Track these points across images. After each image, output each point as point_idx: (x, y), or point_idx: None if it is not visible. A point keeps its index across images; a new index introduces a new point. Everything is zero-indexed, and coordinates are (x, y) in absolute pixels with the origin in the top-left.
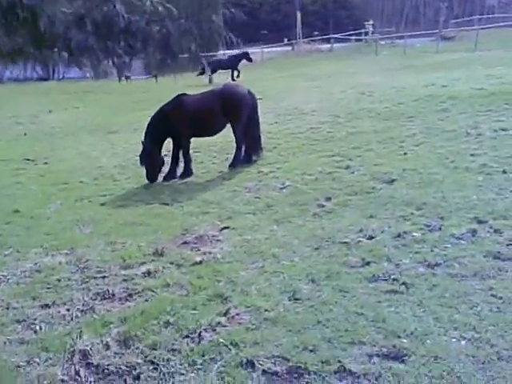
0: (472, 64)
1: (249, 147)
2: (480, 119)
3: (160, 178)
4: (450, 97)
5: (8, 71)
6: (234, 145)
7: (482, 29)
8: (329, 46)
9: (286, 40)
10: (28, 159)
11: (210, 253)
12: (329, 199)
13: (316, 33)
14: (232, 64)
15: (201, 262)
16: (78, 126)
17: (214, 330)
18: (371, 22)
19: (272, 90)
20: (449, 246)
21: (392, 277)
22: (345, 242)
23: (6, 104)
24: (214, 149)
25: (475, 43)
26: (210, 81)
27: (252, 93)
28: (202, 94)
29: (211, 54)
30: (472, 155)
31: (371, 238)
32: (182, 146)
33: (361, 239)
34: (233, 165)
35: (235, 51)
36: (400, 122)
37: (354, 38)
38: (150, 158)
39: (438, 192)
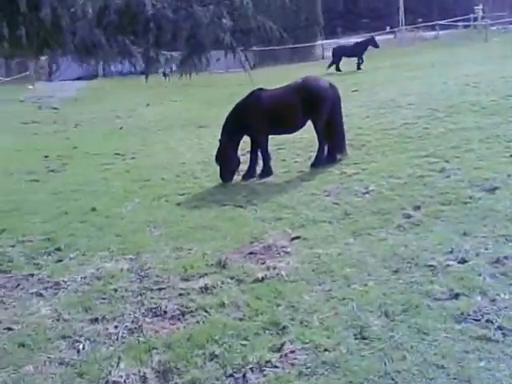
0: None
1: (332, 146)
2: None
3: (239, 176)
4: None
5: (112, 66)
6: (317, 143)
7: None
8: (434, 33)
9: (388, 28)
10: (118, 154)
11: (274, 268)
12: (417, 208)
13: (420, 19)
14: (357, 51)
15: (263, 279)
16: (171, 120)
17: (263, 370)
18: (481, 7)
19: (369, 81)
20: None
21: (486, 317)
22: (430, 265)
23: (108, 97)
24: (298, 145)
25: None
26: (338, 69)
27: (334, 86)
28: (281, 89)
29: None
30: None
31: (463, 261)
32: (259, 143)
33: (450, 262)
34: (315, 164)
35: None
36: (508, 117)
37: (461, 24)
38: (225, 157)
39: None
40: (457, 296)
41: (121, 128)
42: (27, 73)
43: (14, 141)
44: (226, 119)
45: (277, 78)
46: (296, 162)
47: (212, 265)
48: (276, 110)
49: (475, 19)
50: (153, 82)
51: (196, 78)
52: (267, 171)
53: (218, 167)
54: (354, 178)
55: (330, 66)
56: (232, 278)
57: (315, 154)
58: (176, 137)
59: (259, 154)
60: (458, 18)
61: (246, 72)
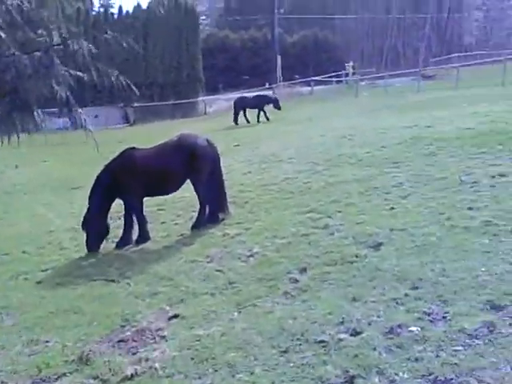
0: (455, 102)
1: (214, 205)
2: (473, 163)
3: (113, 244)
4: (436, 138)
5: None
6: (199, 205)
7: (461, 66)
8: (309, 88)
9: (267, 84)
10: None
11: (147, 359)
12: (303, 271)
13: (297, 76)
14: (259, 103)
15: (132, 377)
16: (41, 183)
17: None
18: (351, 63)
19: (249, 136)
20: (460, 348)
21: None
22: (322, 341)
23: None
24: (179, 205)
25: (456, 81)
26: (236, 121)
27: (212, 143)
28: (155, 148)
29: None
30: (470, 209)
31: (356, 333)
32: (133, 207)
33: (342, 336)
34: (196, 226)
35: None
36: (384, 168)
37: (334, 79)
38: (92, 222)
39: (435, 262)
40: (353, 379)
41: None
42: None
43: None
44: (95, 181)
45: (158, 134)
46: (176, 224)
47: (73, 361)
48: (151, 171)
49: (346, 75)
50: (25, 141)
51: (72, 135)
52: (144, 236)
53: (85, 235)
54: (238, 239)
55: (235, 118)
56: (95, 378)
57: (196, 215)
58: (44, 201)
59: (134, 218)
60: (331, 75)
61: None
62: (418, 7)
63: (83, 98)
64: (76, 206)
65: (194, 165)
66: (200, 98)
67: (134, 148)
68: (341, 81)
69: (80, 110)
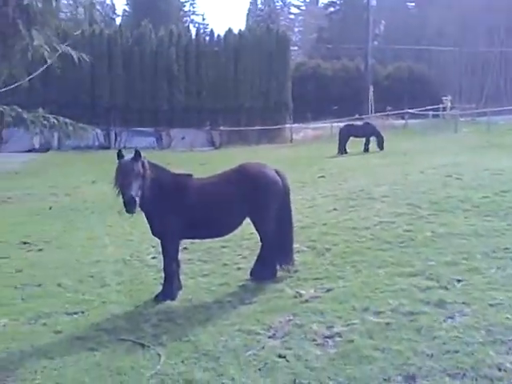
0: None
1: (275, 253)
2: None
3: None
4: None
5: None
6: (259, 249)
7: None
8: (403, 121)
9: (357, 115)
10: (26, 242)
11: None
12: (411, 380)
13: (389, 108)
14: (367, 132)
15: None
16: (111, 202)
17: None
18: (449, 97)
19: (336, 167)
20: None
21: None
22: None
23: (54, 172)
24: (246, 244)
25: None
26: (343, 150)
27: (282, 174)
28: (213, 178)
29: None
30: None
31: None
32: (165, 249)
33: None
34: (259, 276)
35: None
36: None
37: (431, 113)
38: None
39: None
40: None
41: (50, 208)
42: None
43: None
44: None
45: (242, 158)
46: (239, 268)
47: None
48: (200, 205)
49: (444, 109)
50: (110, 157)
51: (157, 155)
52: (166, 292)
53: None
54: (313, 306)
55: (340, 148)
56: None
57: (257, 262)
58: (107, 223)
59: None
60: (427, 108)
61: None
62: None
63: (173, 120)
64: (135, 233)
65: (259, 198)
66: (287, 125)
67: (189, 175)
68: (437, 115)
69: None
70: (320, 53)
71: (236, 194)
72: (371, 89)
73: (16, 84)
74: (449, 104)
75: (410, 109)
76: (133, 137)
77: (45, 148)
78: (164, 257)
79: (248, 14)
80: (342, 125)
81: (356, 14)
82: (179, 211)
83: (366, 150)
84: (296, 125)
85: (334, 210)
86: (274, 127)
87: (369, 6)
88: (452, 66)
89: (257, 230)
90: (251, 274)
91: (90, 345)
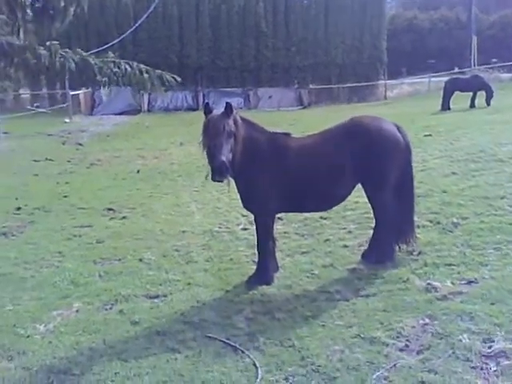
0: None
1: (395, 229)
2: None
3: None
4: None
5: (159, 100)
6: (374, 224)
7: None
8: (510, 75)
9: (456, 69)
10: (110, 209)
11: None
12: None
13: (494, 60)
14: (474, 86)
15: None
16: (200, 164)
17: None
18: None
19: (442, 124)
20: None
21: None
22: None
23: (144, 134)
24: (350, 216)
25: None
26: (447, 107)
27: (403, 131)
28: (315, 135)
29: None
30: None
31: None
32: (260, 224)
33: None
34: (375, 260)
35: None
36: None
37: None
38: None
39: None
40: None
41: (138, 171)
42: (65, 105)
43: (2, 183)
44: None
45: (332, 118)
46: (345, 246)
47: None
48: (305, 173)
49: None
50: (199, 117)
51: (244, 114)
52: (261, 275)
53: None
54: (455, 305)
55: (443, 104)
56: None
57: (371, 241)
58: (194, 187)
59: (271, 242)
60: None
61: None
62: None
63: (261, 79)
64: (224, 199)
65: (375, 161)
66: (381, 82)
67: (287, 135)
68: None
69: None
70: (416, 3)
71: (346, 156)
72: (474, 39)
73: (107, 45)
74: None
75: None
76: (221, 97)
77: (135, 110)
78: (257, 233)
79: None
80: (443, 79)
81: None
82: (276, 179)
83: (473, 105)
84: (391, 81)
85: (453, 174)
86: (367, 84)
87: None
88: None
89: (370, 200)
90: (363, 256)
91: (171, 343)
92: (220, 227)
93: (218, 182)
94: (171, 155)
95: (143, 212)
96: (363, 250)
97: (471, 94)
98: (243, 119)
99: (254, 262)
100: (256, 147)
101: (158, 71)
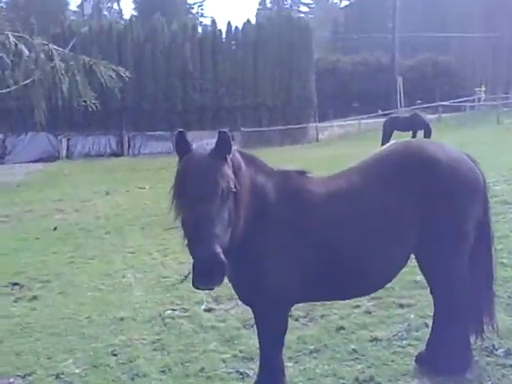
0: None
1: (469, 315)
2: None
3: None
4: None
5: (79, 146)
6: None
7: None
8: (435, 115)
9: (379, 111)
10: (16, 284)
11: None
12: None
13: (419, 101)
14: (414, 126)
15: None
16: (132, 217)
17: None
18: (483, 88)
19: None
20: None
21: None
22: None
23: (62, 184)
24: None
25: None
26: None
27: (478, 165)
28: (348, 175)
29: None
30: None
31: None
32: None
33: None
34: (453, 367)
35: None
36: None
37: (468, 105)
38: None
39: None
40: None
41: (54, 229)
42: None
43: None
44: None
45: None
46: (375, 339)
47: None
48: (341, 234)
49: (479, 100)
50: (123, 165)
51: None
52: None
53: None
54: None
55: (383, 143)
56: None
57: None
58: (129, 248)
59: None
60: (463, 99)
61: None
62: None
63: (189, 122)
64: (170, 265)
65: (445, 210)
66: (311, 124)
67: (303, 173)
68: (473, 107)
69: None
70: (336, 48)
71: (408, 205)
72: (400, 80)
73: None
74: (483, 95)
75: (440, 101)
76: (147, 142)
77: (53, 157)
78: (262, 336)
79: (257, 15)
80: (373, 121)
81: (373, 3)
82: (299, 251)
83: None
84: (321, 123)
85: None
86: (299, 126)
87: None
88: (479, 55)
89: (434, 272)
90: (421, 361)
91: None
92: (173, 309)
93: (207, 290)
94: (95, 207)
95: (61, 287)
96: (418, 353)
97: (410, 133)
98: (247, 159)
99: (240, 373)
100: (267, 203)
101: (87, 58)
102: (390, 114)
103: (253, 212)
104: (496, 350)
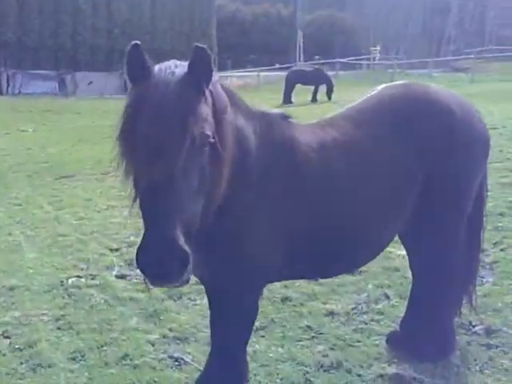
0: None
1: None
2: None
3: None
4: None
5: None
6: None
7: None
8: (333, 72)
9: (277, 65)
10: None
11: None
12: None
13: (317, 56)
14: (318, 79)
15: None
16: (14, 163)
17: None
18: (378, 48)
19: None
20: None
21: None
22: None
23: None
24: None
25: None
26: (288, 100)
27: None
28: (337, 120)
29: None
30: None
31: None
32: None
33: None
34: (440, 351)
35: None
36: None
37: (364, 63)
38: None
39: None
40: None
41: None
42: None
43: None
44: None
45: None
46: (330, 313)
47: None
48: (334, 195)
49: (374, 59)
50: (1, 103)
51: (61, 102)
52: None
53: None
54: None
55: (285, 97)
56: None
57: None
58: (13, 198)
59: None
60: (360, 57)
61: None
62: None
63: (79, 62)
64: (66, 220)
65: (451, 168)
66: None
67: (286, 116)
68: (368, 65)
69: None
70: None
71: (411, 155)
72: (300, 34)
73: None
74: (378, 55)
75: (340, 58)
76: (29, 81)
77: None
78: (229, 327)
79: None
80: (273, 74)
81: None
82: (287, 211)
83: (315, 99)
84: (220, 73)
85: None
86: None
87: None
88: (374, 16)
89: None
90: (392, 341)
91: None
92: (78, 276)
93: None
94: None
95: None
96: (391, 331)
97: (312, 87)
98: (228, 95)
99: (174, 360)
100: (248, 155)
101: None
102: (289, 67)
103: (232, 168)
104: (473, 327)
